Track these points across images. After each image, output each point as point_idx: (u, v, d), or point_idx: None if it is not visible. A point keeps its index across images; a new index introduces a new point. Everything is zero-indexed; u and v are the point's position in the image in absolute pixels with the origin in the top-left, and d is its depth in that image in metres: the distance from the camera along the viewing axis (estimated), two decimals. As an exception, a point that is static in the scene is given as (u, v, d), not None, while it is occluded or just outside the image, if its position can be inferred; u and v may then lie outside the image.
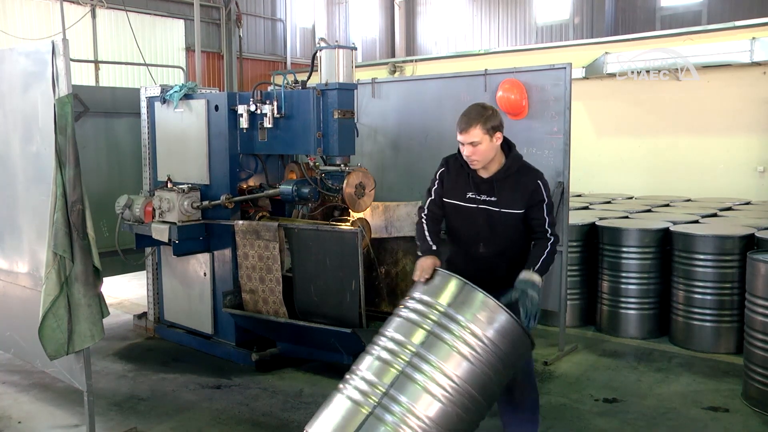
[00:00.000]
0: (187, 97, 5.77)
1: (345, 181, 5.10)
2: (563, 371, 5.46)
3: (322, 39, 5.80)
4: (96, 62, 11.76)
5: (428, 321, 3.16)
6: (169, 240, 5.47)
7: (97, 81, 12.23)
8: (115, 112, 6.78)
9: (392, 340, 3.20)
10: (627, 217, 7.05)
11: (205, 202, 5.52)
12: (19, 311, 4.64)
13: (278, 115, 5.24)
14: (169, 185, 5.66)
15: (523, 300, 3.33)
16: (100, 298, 4.22)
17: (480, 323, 3.09)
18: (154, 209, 5.60)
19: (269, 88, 5.44)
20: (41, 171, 4.22)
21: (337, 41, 6.83)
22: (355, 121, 5.37)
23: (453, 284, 3.23)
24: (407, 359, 3.09)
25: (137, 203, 5.79)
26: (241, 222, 5.32)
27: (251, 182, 5.66)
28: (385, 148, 6.75)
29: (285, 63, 19.05)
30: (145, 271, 6.55)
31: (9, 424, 4.65)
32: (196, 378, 5.38)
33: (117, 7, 13.52)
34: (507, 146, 3.60)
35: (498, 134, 3.49)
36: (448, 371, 3.04)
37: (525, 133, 5.59)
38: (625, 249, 6.25)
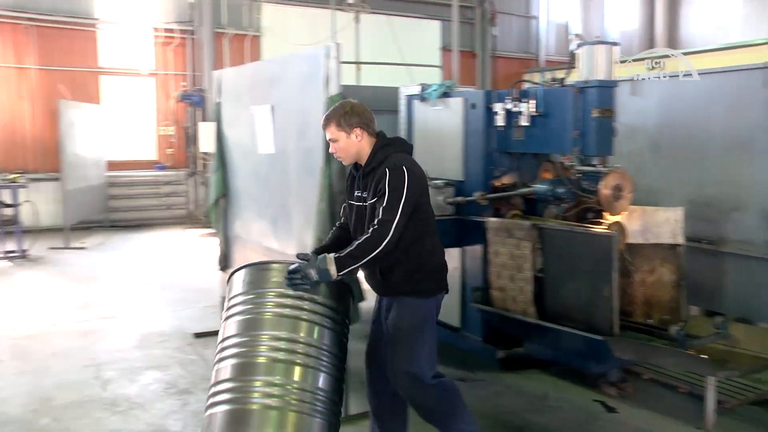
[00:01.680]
0: (445, 95, 5.92)
1: (602, 182, 4.89)
2: None
3: (577, 35, 5.61)
4: (358, 63, 12.52)
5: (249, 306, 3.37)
6: (422, 233, 5.65)
7: (358, 81, 13.05)
8: (375, 110, 7.11)
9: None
10: None
11: (459, 198, 5.62)
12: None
13: (535, 113, 5.16)
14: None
15: (303, 269, 3.31)
16: (358, 282, 4.49)
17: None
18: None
19: (525, 86, 5.39)
20: (311, 164, 4.59)
21: (597, 36, 6.53)
22: (614, 120, 5.12)
23: (242, 272, 3.51)
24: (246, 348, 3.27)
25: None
26: (493, 219, 5.34)
27: (505, 180, 5.64)
28: (644, 149, 6.35)
29: (537, 60, 18.79)
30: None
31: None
32: (442, 368, 5.41)
33: (380, 11, 14.33)
34: (383, 143, 3.61)
35: (357, 130, 3.57)
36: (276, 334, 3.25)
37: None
38: None
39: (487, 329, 5.72)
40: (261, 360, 3.23)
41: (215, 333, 6.28)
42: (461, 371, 5.43)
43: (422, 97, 6.12)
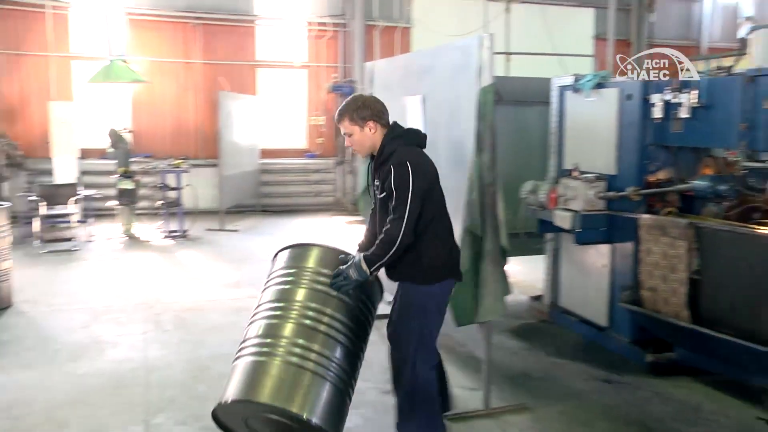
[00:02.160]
0: (599, 86, 5.72)
1: (771, 180, 4.55)
2: None
3: (749, 18, 5.22)
4: (509, 54, 12.38)
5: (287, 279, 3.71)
6: (571, 228, 5.52)
7: (507, 71, 12.89)
8: (525, 101, 7.04)
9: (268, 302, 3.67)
10: None
11: (611, 193, 5.43)
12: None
13: (697, 105, 4.87)
14: (575, 174, 5.69)
15: (344, 271, 3.56)
16: (505, 276, 4.47)
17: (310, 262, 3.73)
18: (558, 196, 5.70)
19: (684, 76, 5.10)
20: (461, 154, 4.61)
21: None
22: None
23: (286, 251, 3.87)
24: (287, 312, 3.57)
25: (542, 189, 5.96)
26: (646, 216, 5.11)
27: (660, 175, 5.38)
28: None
29: (698, 48, 17.67)
30: (543, 256, 6.73)
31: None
32: (586, 368, 5.37)
33: (532, 1, 14.05)
34: (392, 135, 3.68)
35: (370, 123, 3.66)
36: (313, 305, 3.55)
37: None
38: None
39: (635, 330, 5.50)
40: (289, 323, 3.53)
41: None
42: (606, 372, 5.27)
43: (575, 88, 5.95)
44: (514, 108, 6.97)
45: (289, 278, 3.70)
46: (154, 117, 14.07)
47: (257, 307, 3.74)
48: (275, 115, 15.10)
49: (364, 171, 6.36)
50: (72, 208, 10.51)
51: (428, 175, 3.66)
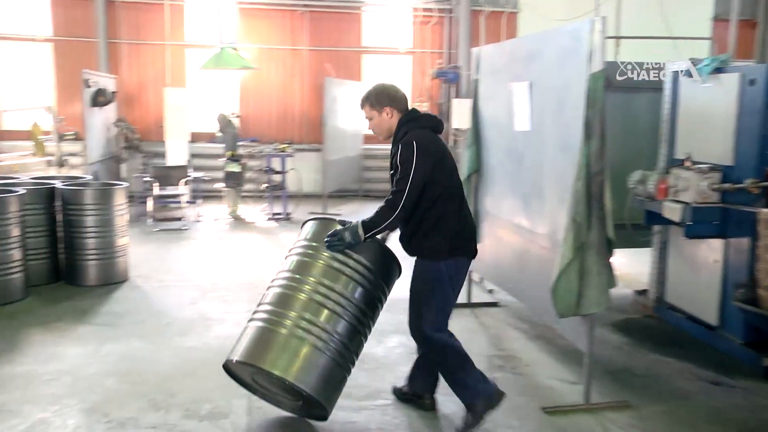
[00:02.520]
0: (717, 70, 5.41)
1: None
2: None
3: None
4: (619, 38, 11.92)
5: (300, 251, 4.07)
6: (681, 220, 5.27)
7: (616, 56, 12.42)
8: (635, 87, 6.78)
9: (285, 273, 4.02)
10: None
11: (727, 185, 5.13)
12: (536, 268, 5.08)
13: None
14: (687, 164, 5.43)
15: (340, 233, 3.86)
16: (610, 268, 4.33)
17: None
18: (668, 187, 5.46)
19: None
20: (568, 141, 4.48)
21: None
22: None
23: (311, 223, 4.24)
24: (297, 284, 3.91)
25: (651, 180, 5.71)
26: (766, 210, 4.81)
27: (783, 167, 5.06)
28: None
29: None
30: (650, 249, 6.47)
31: (519, 364, 5.20)
32: (694, 368, 5.14)
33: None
34: (407, 119, 4.02)
35: (387, 109, 4.02)
36: (324, 281, 3.88)
37: None
38: None
39: (748, 331, 5.21)
40: (301, 296, 3.87)
41: (460, 305, 6.52)
42: (714, 373, 5.02)
43: (690, 73, 5.66)
44: (624, 94, 6.73)
45: (310, 251, 4.03)
46: (261, 102, 14.49)
47: (279, 272, 4.10)
48: (379, 101, 15.18)
49: (467, 158, 6.34)
50: (182, 190, 11.02)
51: (435, 154, 3.89)
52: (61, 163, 11.02)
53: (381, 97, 4.05)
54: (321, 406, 3.84)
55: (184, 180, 11.07)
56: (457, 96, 14.17)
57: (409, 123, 4.00)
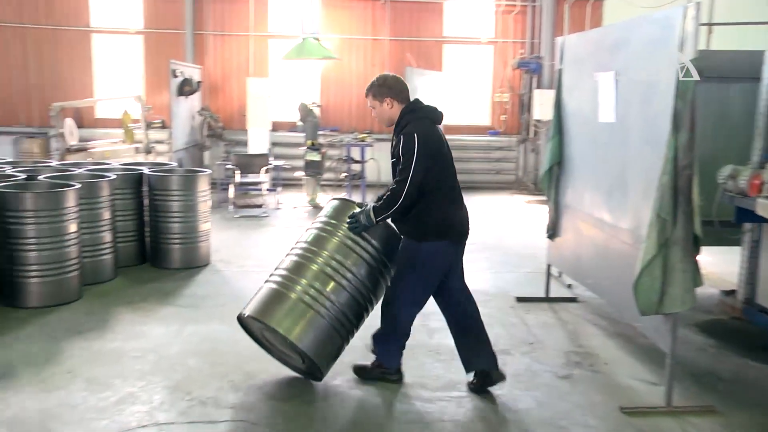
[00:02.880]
0: (821, 60, 5.11)
1: None
2: None
3: None
4: (712, 24, 11.41)
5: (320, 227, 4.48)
6: (777, 218, 5.01)
7: (708, 44, 11.90)
8: (729, 77, 6.47)
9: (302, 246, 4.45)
10: None
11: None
12: (618, 264, 4.93)
13: None
14: (786, 158, 5.15)
15: (357, 215, 4.27)
16: (696, 266, 4.16)
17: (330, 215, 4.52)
18: (762, 183, 5.19)
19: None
20: (655, 134, 4.32)
21: None
22: None
23: (334, 202, 4.65)
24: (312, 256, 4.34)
25: (743, 175, 5.44)
26: None
27: None
28: None
29: None
30: (739, 247, 6.18)
31: (597, 361, 5.08)
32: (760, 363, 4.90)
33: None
34: (408, 110, 4.32)
35: (387, 100, 4.32)
36: (335, 255, 4.32)
37: None
38: None
39: None
40: (313, 267, 4.29)
41: (538, 299, 6.43)
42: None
43: (791, 63, 5.36)
44: (717, 84, 6.43)
45: (328, 227, 4.43)
46: (342, 92, 14.62)
47: (298, 242, 4.52)
48: (460, 91, 15.10)
49: (549, 149, 6.22)
50: (263, 177, 11.24)
51: (434, 145, 4.19)
52: (148, 150, 11.45)
53: (382, 89, 4.35)
54: (317, 367, 4.27)
55: (264, 168, 11.29)
56: (539, 87, 13.91)
57: (410, 114, 4.29)
